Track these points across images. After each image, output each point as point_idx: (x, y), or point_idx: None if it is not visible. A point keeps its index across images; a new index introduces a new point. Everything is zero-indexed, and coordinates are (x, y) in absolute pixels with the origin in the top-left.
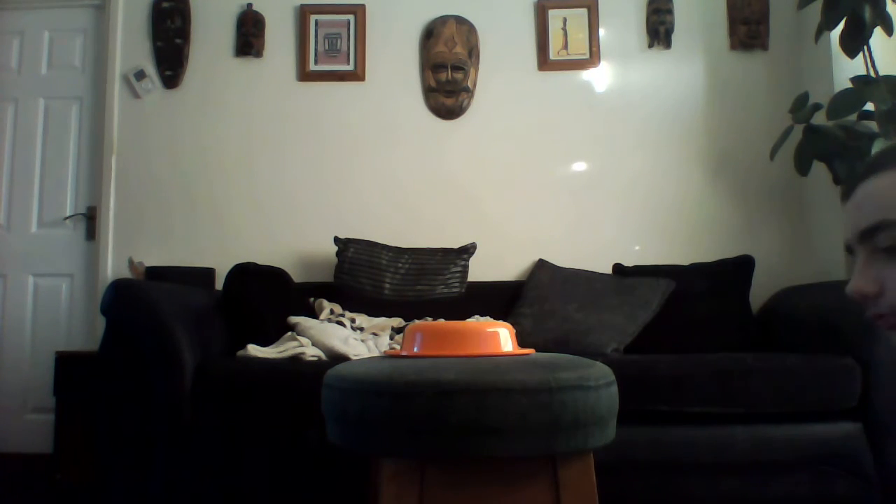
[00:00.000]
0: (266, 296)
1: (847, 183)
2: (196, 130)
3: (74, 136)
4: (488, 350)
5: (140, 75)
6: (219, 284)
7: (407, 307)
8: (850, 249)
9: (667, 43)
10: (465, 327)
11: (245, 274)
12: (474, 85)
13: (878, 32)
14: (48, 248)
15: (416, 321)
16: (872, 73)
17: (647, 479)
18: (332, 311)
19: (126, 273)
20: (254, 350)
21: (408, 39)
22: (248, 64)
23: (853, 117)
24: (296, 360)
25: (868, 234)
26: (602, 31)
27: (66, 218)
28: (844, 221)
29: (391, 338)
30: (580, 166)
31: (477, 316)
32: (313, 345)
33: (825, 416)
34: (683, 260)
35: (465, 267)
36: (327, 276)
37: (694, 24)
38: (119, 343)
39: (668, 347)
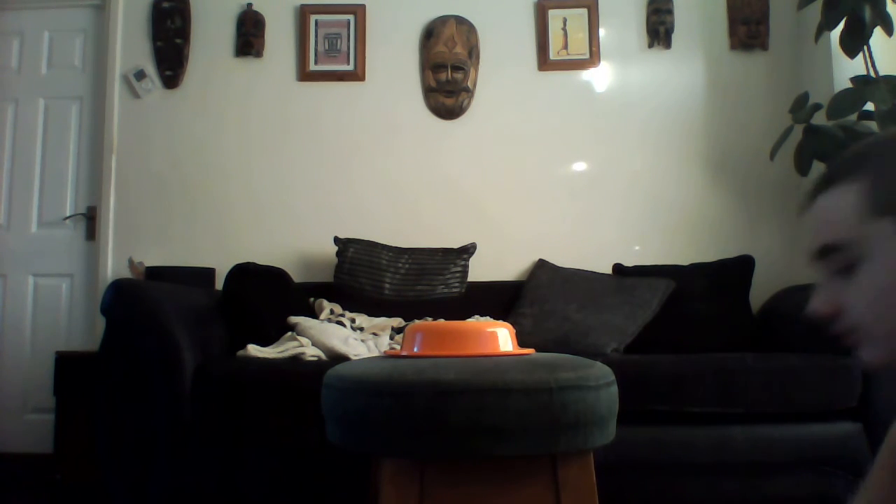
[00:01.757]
0: (266, 296)
1: (807, 195)
2: (196, 130)
3: (74, 136)
4: (488, 350)
5: (140, 75)
6: (219, 284)
7: (407, 307)
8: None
9: (667, 43)
10: (465, 327)
11: (245, 274)
12: (474, 85)
13: (878, 32)
14: (48, 248)
15: (416, 321)
16: (872, 73)
17: (647, 479)
18: (332, 311)
19: (126, 273)
20: (254, 350)
21: (408, 39)
22: (248, 64)
23: (853, 117)
24: (296, 360)
25: (820, 255)
26: (602, 31)
27: (66, 218)
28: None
29: (391, 338)
30: (580, 166)
31: (477, 316)
32: (313, 345)
33: (825, 416)
34: (683, 260)
35: (465, 267)
36: (327, 276)
37: (694, 24)
38: (119, 343)
39: (668, 347)
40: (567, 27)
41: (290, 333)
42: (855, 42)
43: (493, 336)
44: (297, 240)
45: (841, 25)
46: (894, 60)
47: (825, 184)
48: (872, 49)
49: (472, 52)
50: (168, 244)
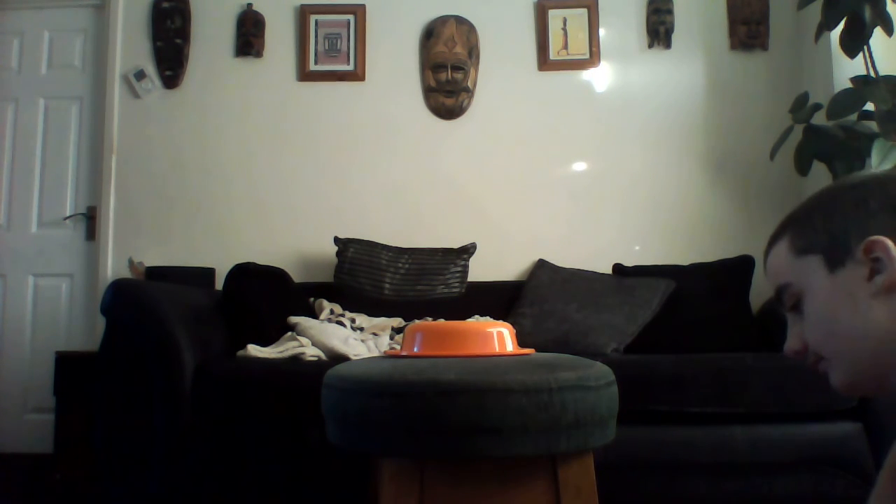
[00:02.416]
0: (266, 296)
1: (763, 259)
2: (196, 130)
3: (74, 136)
4: (488, 350)
5: (140, 75)
6: (219, 284)
7: (407, 307)
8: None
9: (667, 43)
10: (465, 327)
11: (245, 274)
12: (474, 85)
13: (878, 32)
14: (48, 248)
15: (416, 321)
16: (872, 73)
17: (647, 479)
18: (332, 311)
19: (126, 273)
20: (254, 350)
21: (408, 39)
22: (248, 64)
23: (853, 117)
24: (296, 360)
25: (778, 299)
26: (602, 31)
27: (66, 218)
28: None
29: (391, 338)
30: (580, 166)
31: (477, 316)
32: (313, 345)
33: (825, 416)
34: (683, 260)
35: (465, 267)
36: (327, 276)
37: (694, 24)
38: (119, 343)
39: (668, 347)
40: (567, 27)
41: (290, 333)
42: (855, 42)
43: (493, 336)
44: (297, 240)
45: (841, 25)
46: (894, 60)
47: (769, 245)
48: (872, 49)
49: (472, 52)
50: (168, 244)
